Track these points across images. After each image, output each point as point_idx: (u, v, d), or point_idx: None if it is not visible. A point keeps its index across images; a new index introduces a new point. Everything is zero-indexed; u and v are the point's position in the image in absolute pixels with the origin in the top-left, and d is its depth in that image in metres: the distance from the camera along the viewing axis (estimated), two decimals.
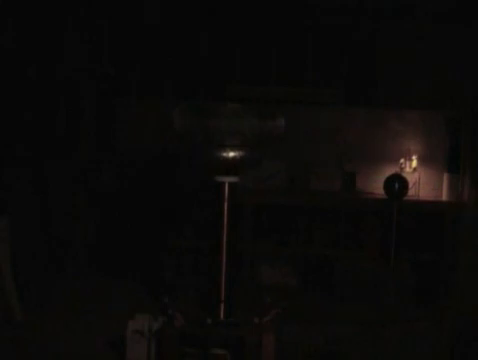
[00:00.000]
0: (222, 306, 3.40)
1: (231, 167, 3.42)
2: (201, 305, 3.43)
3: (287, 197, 6.01)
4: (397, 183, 5.59)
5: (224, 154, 3.39)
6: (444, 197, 6.07)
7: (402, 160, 6.07)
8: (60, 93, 5.88)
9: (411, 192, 5.89)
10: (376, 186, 6.04)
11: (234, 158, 3.39)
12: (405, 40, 6.14)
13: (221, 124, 3.36)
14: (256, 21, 6.22)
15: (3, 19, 5.12)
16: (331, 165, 6.24)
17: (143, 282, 5.88)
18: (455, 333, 4.68)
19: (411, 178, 5.89)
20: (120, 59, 6.35)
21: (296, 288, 5.98)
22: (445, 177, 6.09)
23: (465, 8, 5.70)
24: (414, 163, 6.06)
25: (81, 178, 6.21)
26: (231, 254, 3.45)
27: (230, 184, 3.44)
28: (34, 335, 4.58)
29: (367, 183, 6.20)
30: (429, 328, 4.98)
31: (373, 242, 5.98)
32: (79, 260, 6.19)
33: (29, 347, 4.37)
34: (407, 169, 6.04)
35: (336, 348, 4.45)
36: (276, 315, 3.47)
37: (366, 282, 5.85)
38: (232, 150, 3.39)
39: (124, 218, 6.30)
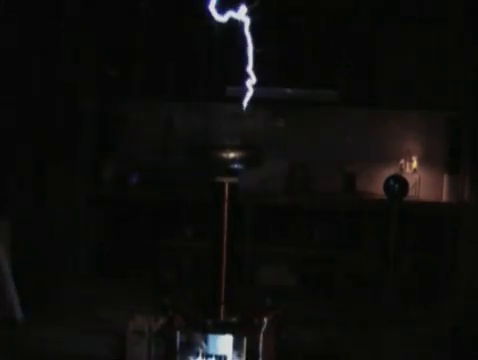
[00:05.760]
0: (222, 307, 3.40)
1: (231, 168, 3.42)
2: (201, 306, 3.43)
3: (287, 198, 6.00)
4: (397, 184, 5.59)
5: (224, 154, 3.39)
6: (444, 198, 6.07)
7: (402, 161, 6.07)
8: (60, 94, 5.88)
9: (411, 193, 5.89)
10: (376, 187, 6.04)
11: (234, 159, 3.39)
12: (405, 40, 6.13)
13: (221, 124, 3.37)
14: (256, 21, 6.21)
15: (4, 21, 5.12)
16: (331, 165, 6.23)
17: (143, 282, 5.87)
18: (455, 333, 4.68)
19: (411, 179, 5.89)
20: (120, 60, 6.35)
21: (296, 289, 5.98)
22: (445, 178, 6.09)
23: (466, 10, 5.70)
24: (414, 164, 6.06)
25: (82, 179, 6.21)
26: (231, 255, 3.45)
27: (230, 185, 3.44)
28: (34, 335, 4.58)
29: (367, 184, 6.20)
30: (429, 328, 4.98)
31: (373, 242, 5.98)
32: (79, 260, 6.19)
33: (29, 347, 4.37)
34: (407, 170, 6.04)
35: (336, 349, 4.46)
36: (276, 316, 3.47)
37: (366, 282, 5.86)
38: (232, 150, 3.39)
39: (124, 218, 6.30)
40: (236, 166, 3.40)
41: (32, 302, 5.05)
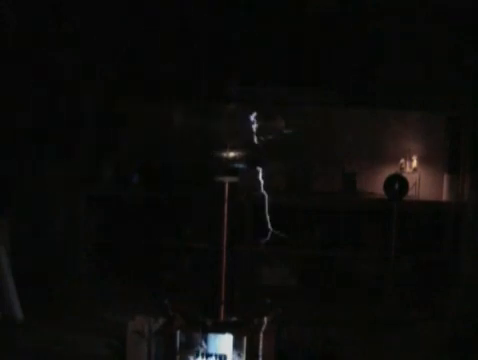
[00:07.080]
0: (222, 307, 3.40)
1: (231, 167, 3.42)
2: (201, 306, 3.43)
3: (287, 197, 6.00)
4: (397, 183, 5.59)
5: (224, 154, 3.40)
6: (444, 198, 6.07)
7: (402, 160, 6.07)
8: (60, 95, 5.88)
9: (411, 192, 5.89)
10: (376, 186, 6.04)
11: (234, 158, 3.39)
12: (405, 40, 6.13)
13: (221, 125, 3.37)
14: (257, 22, 6.22)
15: (4, 21, 5.12)
16: (331, 165, 6.23)
17: (143, 282, 5.87)
18: (455, 333, 4.68)
19: (411, 178, 5.89)
20: (121, 60, 6.34)
21: (296, 289, 5.98)
22: (445, 178, 6.09)
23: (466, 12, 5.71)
24: (414, 163, 6.06)
25: (81, 179, 6.21)
26: (231, 255, 3.46)
27: (230, 184, 3.44)
28: (34, 335, 4.58)
29: (367, 183, 6.20)
30: (429, 328, 4.98)
31: (373, 242, 5.98)
32: (79, 260, 6.19)
33: (29, 347, 4.37)
34: (407, 169, 6.04)
35: (336, 348, 4.45)
36: (276, 316, 3.47)
37: (366, 282, 5.86)
38: (232, 150, 3.40)
39: (124, 219, 6.29)
40: (237, 166, 3.41)
41: (32, 302, 5.06)
